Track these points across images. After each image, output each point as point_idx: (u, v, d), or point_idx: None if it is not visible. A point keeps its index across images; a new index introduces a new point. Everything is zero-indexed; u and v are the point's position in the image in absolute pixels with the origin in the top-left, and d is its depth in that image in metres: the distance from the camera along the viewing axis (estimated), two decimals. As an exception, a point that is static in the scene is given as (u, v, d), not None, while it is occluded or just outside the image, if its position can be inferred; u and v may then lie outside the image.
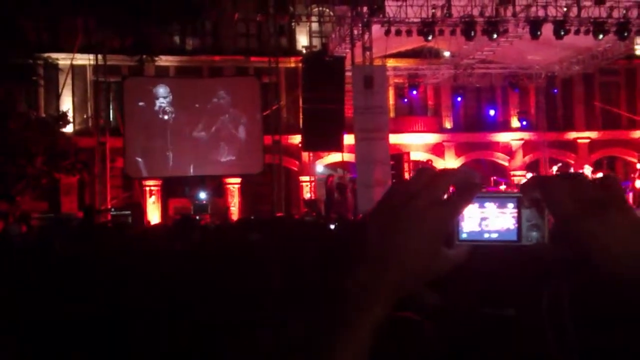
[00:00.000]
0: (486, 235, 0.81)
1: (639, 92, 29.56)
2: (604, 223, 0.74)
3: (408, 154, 21.97)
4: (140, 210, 23.23)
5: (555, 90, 26.03)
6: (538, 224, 0.79)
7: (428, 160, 24.51)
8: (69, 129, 24.23)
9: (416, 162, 23.43)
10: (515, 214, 0.80)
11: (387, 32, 17.74)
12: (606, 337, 0.78)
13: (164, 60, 24.99)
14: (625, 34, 18.28)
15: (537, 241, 0.79)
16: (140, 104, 21.76)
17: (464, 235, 0.80)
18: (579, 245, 0.75)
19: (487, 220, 0.81)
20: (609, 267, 0.74)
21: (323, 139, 20.75)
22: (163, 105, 21.88)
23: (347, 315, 0.75)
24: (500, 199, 0.81)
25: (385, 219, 0.78)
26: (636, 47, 23.01)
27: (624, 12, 17.94)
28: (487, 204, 0.81)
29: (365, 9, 17.76)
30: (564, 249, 0.77)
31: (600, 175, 20.05)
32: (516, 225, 0.80)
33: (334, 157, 24.97)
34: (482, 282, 2.80)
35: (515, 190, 0.80)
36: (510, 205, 0.80)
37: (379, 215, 0.79)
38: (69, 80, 24.72)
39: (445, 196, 0.78)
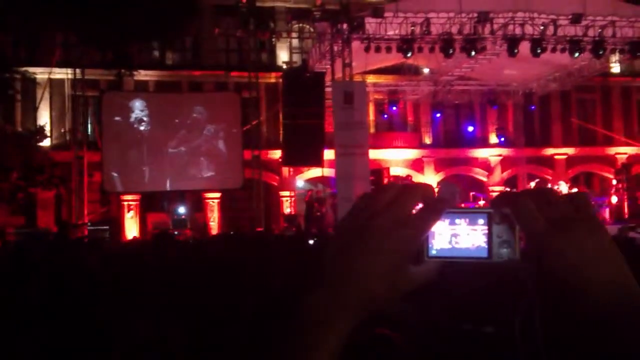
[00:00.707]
0: (456, 252, 0.78)
1: (614, 109, 30.07)
2: (571, 242, 0.72)
3: (388, 169, 22.07)
4: (117, 225, 22.99)
5: (533, 107, 26.33)
6: (509, 241, 0.76)
7: (408, 176, 24.61)
8: (46, 143, 23.96)
9: (396, 177, 23.51)
10: (486, 231, 0.78)
11: (367, 49, 17.84)
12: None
13: (144, 75, 24.91)
14: (601, 52, 18.61)
15: (508, 258, 0.76)
16: (117, 118, 21.61)
17: (434, 252, 0.78)
18: (548, 262, 0.73)
19: (458, 237, 0.79)
20: (577, 285, 0.72)
21: (303, 154, 20.75)
22: (140, 119, 21.74)
23: (308, 336, 0.72)
24: (471, 215, 0.79)
25: (347, 237, 0.75)
26: (611, 65, 23.42)
27: (599, 30, 18.27)
28: (457, 220, 0.79)
29: (345, 25, 17.87)
30: (534, 266, 0.75)
31: (573, 191, 20.29)
32: (487, 242, 0.78)
33: (314, 172, 24.97)
34: (461, 298, 2.78)
35: (486, 206, 0.78)
36: (481, 222, 0.78)
37: (341, 234, 0.76)
38: (47, 94, 24.51)
39: (413, 212, 0.76)
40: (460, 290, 2.62)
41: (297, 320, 0.74)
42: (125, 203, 24.74)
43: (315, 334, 0.72)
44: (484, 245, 0.78)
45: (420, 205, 0.76)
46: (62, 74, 24.01)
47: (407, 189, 0.76)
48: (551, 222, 0.73)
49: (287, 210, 25.28)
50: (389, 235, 0.73)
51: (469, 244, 0.78)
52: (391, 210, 0.74)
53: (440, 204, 0.76)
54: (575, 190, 20.25)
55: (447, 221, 0.78)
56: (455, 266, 0.77)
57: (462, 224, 0.79)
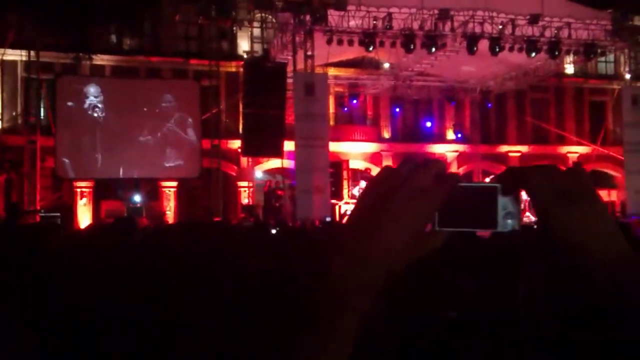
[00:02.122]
0: (464, 223, 0.83)
1: (567, 109, 30.90)
2: (575, 211, 0.79)
3: (347, 162, 22.20)
4: (70, 212, 22.49)
5: (490, 105, 26.86)
6: (513, 213, 0.81)
7: (366, 169, 24.80)
8: (-4, 126, 23.26)
9: (355, 171, 23.67)
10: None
11: (329, 41, 17.89)
12: (581, 330, 0.81)
13: (100, 59, 24.36)
14: (556, 53, 19.11)
15: (512, 228, 0.81)
16: (70, 103, 21.11)
17: (443, 223, 0.82)
18: (554, 230, 0.79)
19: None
20: (579, 250, 0.78)
21: (263, 144, 20.68)
22: (94, 105, 21.29)
23: (326, 308, 0.75)
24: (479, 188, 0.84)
25: (369, 207, 0.79)
26: (565, 66, 24.06)
27: (556, 32, 18.75)
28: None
29: (307, 17, 17.86)
30: (536, 236, 0.79)
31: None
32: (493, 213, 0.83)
33: (273, 163, 24.91)
34: (426, 282, 2.85)
35: (493, 181, 0.83)
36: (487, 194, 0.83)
37: (362, 204, 0.80)
38: (-2, 76, 23.77)
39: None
40: (428, 273, 2.68)
41: (311, 294, 0.76)
42: (78, 190, 24.22)
43: (338, 300, 0.75)
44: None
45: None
46: (15, 55, 23.28)
47: (423, 164, 0.80)
48: (558, 194, 0.79)
49: (245, 200, 25.17)
50: (408, 206, 0.77)
51: (472, 214, 0.82)
52: (410, 183, 0.78)
53: (451, 179, 0.80)
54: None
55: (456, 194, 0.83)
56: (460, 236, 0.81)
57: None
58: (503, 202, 0.81)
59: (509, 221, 0.81)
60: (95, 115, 21.27)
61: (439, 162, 0.82)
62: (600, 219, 0.79)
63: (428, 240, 0.80)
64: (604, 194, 26.96)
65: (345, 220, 15.01)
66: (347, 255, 0.77)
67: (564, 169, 0.83)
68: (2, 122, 24.00)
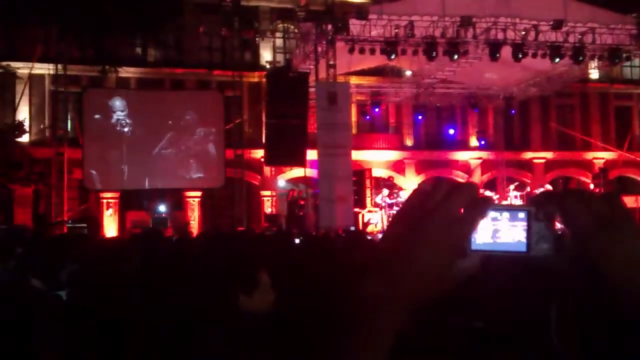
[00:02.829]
0: (497, 247, 0.84)
1: (592, 115, 30.52)
2: (616, 242, 0.78)
3: (370, 170, 22.16)
4: (96, 223, 22.78)
5: (513, 111, 26.63)
6: (547, 237, 0.82)
7: (389, 177, 24.72)
8: (24, 139, 23.67)
9: (377, 179, 23.61)
10: (526, 227, 0.83)
11: (351, 50, 17.92)
12: (612, 350, 0.81)
13: (125, 72, 24.71)
14: (580, 58, 18.89)
15: (546, 254, 0.82)
16: (97, 116, 21.43)
17: (477, 246, 0.83)
18: (592, 260, 0.79)
19: (499, 232, 0.84)
20: (619, 284, 0.78)
21: (286, 153, 20.76)
22: (120, 118, 21.59)
23: (358, 324, 0.77)
24: (512, 212, 0.84)
25: (405, 231, 0.80)
26: (590, 71, 23.78)
27: (579, 37, 18.55)
28: (498, 216, 0.84)
29: (329, 26, 17.93)
30: (570, 261, 0.80)
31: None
32: (526, 237, 0.83)
33: (296, 172, 24.99)
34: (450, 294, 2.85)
35: (526, 204, 0.84)
36: (521, 218, 0.83)
37: (396, 227, 0.82)
38: (27, 90, 24.22)
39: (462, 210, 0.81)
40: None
41: (343, 313, 0.78)
42: (105, 201, 24.55)
43: (372, 318, 0.77)
44: (524, 240, 0.83)
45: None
46: (42, 69, 23.75)
47: (456, 188, 0.82)
48: (597, 223, 0.79)
49: (268, 210, 25.26)
50: (444, 232, 0.78)
51: (509, 238, 0.83)
52: (445, 208, 0.80)
53: (485, 203, 0.81)
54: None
55: (489, 217, 0.84)
56: (495, 260, 0.83)
57: (503, 219, 0.84)
58: (537, 226, 0.82)
59: (543, 246, 0.81)
60: (122, 128, 21.57)
61: (472, 186, 0.83)
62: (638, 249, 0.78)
63: (463, 265, 0.81)
64: (630, 200, 26.53)
65: (379, 238, 14.93)
66: (381, 278, 0.78)
67: (597, 193, 0.83)
68: (30, 135, 24.45)
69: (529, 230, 0.82)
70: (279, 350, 2.19)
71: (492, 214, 0.83)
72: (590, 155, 29.77)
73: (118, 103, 21.75)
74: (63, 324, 2.81)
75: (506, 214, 0.84)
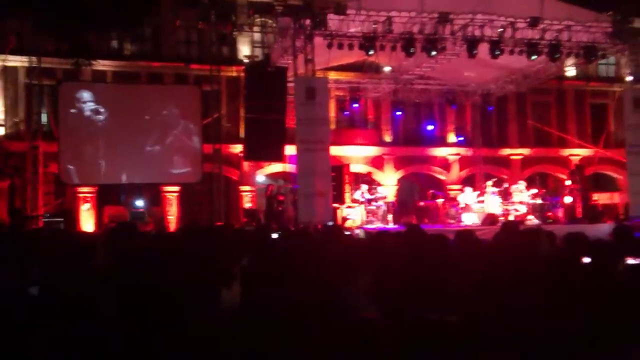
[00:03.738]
0: None
1: (569, 112, 30.88)
2: None
3: (348, 166, 22.16)
4: (72, 217, 22.52)
5: (491, 108, 26.83)
6: None
7: (368, 173, 24.81)
8: (-2, 132, 23.31)
9: (356, 174, 23.67)
10: None
11: (330, 45, 17.89)
12: None
13: (101, 65, 24.41)
14: (557, 56, 19.09)
15: None
16: (73, 110, 21.15)
17: None
18: None
19: None
20: None
21: (264, 149, 20.69)
22: (96, 111, 21.32)
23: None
24: None
25: None
26: (566, 68, 24.03)
27: (556, 34, 18.74)
28: None
29: (307, 21, 17.87)
30: None
31: (531, 191, 20.76)
32: None
33: (275, 167, 24.94)
34: (425, 289, 2.85)
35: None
36: None
37: None
38: (0, 83, 23.81)
39: None
40: (425, 281, 2.69)
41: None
42: (81, 195, 24.25)
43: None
44: None
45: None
46: (16, 61, 23.37)
47: None
48: None
49: (247, 205, 25.18)
50: None
51: None
52: None
53: None
54: (534, 190, 20.73)
55: None
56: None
57: None
58: None
59: None
60: (98, 122, 21.32)
61: None
62: None
63: None
64: (606, 196, 26.94)
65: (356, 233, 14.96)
66: None
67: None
68: (4, 128, 24.05)
69: None
70: (248, 342, 2.17)
71: None
72: (566, 152, 30.13)
73: (94, 97, 21.48)
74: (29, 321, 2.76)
75: None
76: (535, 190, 20.80)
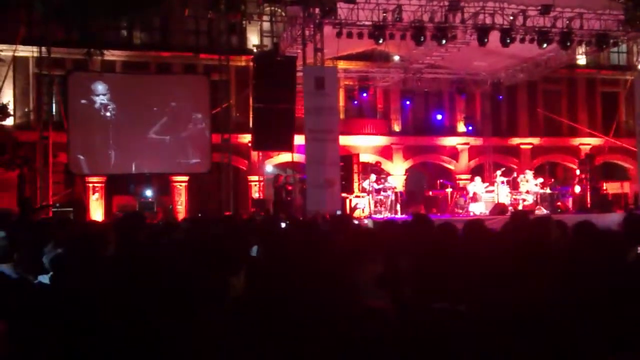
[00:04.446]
0: None
1: (579, 101, 30.64)
2: None
3: (357, 155, 22.11)
4: (82, 207, 22.65)
5: (500, 97, 26.68)
6: None
7: (377, 162, 24.76)
8: (8, 122, 23.41)
9: (365, 164, 23.62)
10: None
11: (339, 34, 17.82)
12: None
13: (111, 55, 24.43)
14: (568, 44, 18.92)
15: None
16: (83, 101, 21.19)
17: None
18: None
19: None
20: None
21: (273, 138, 20.68)
22: (106, 102, 21.36)
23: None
24: None
25: None
26: (577, 56, 23.82)
27: (567, 22, 18.56)
28: None
29: (317, 10, 17.79)
30: None
31: (538, 180, 20.64)
32: None
33: (284, 157, 24.94)
34: (432, 278, 2.84)
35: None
36: None
37: None
38: (10, 73, 23.89)
39: None
40: (436, 271, 2.67)
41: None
42: (91, 185, 24.38)
43: None
44: None
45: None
46: (26, 51, 23.43)
47: None
48: None
49: (255, 195, 25.22)
50: None
51: None
52: None
53: None
54: (540, 180, 20.60)
55: None
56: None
57: None
58: None
59: None
60: (108, 112, 21.36)
61: None
62: None
63: None
64: (616, 186, 26.76)
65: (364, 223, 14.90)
66: None
67: None
68: (14, 118, 24.18)
69: None
70: (251, 331, 2.17)
71: None
72: (576, 141, 29.93)
73: (104, 87, 21.50)
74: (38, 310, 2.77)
75: None
76: (541, 180, 20.68)
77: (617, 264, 3.04)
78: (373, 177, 19.88)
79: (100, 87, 21.41)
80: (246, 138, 24.38)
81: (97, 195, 24.41)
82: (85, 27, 19.06)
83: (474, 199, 19.80)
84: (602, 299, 2.46)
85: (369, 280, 2.86)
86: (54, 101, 23.48)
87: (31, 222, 10.15)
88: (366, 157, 26.18)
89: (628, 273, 2.80)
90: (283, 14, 23.09)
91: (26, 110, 24.76)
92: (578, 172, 22.88)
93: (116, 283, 3.03)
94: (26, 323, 2.88)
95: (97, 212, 23.82)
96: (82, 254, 3.85)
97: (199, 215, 15.88)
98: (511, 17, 18.18)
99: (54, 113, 23.14)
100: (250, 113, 23.07)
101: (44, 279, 3.96)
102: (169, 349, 2.43)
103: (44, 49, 21.17)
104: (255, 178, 25.60)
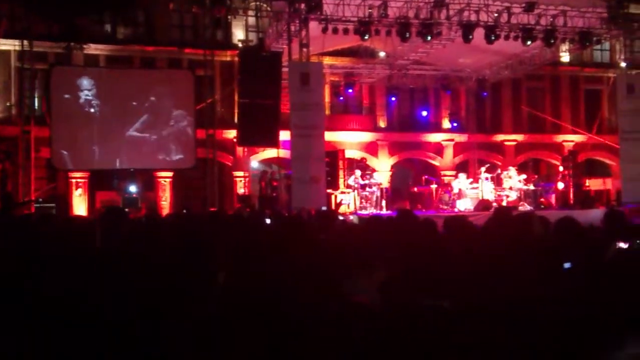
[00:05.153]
0: None
1: (563, 98, 30.87)
2: None
3: (343, 151, 22.15)
4: (65, 202, 22.46)
5: (485, 94, 26.82)
6: None
7: (362, 159, 24.79)
8: (-11, 116, 23.13)
9: (350, 160, 23.65)
10: None
11: (325, 30, 17.81)
12: None
13: (94, 49, 24.22)
14: (552, 41, 19.07)
15: None
16: (66, 96, 20.98)
17: None
18: None
19: None
20: None
21: (259, 134, 20.63)
22: (89, 97, 21.18)
23: None
24: None
25: None
26: (561, 54, 24.01)
27: (551, 20, 18.70)
28: None
29: (302, 5, 17.76)
30: None
31: (521, 177, 20.77)
32: None
33: (269, 152, 24.88)
34: (416, 274, 2.85)
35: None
36: None
37: None
38: (-9, 66, 23.61)
39: None
40: (422, 268, 2.68)
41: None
42: (74, 180, 24.15)
43: None
44: None
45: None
46: (8, 45, 23.14)
47: None
48: None
49: (240, 190, 25.15)
50: None
51: None
52: None
53: None
54: (524, 176, 20.75)
55: None
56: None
57: None
58: None
59: None
60: (91, 108, 21.17)
61: None
62: None
63: None
64: (598, 182, 27.04)
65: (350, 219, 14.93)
66: None
67: None
68: (-5, 113, 23.88)
69: None
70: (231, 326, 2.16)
71: None
72: (560, 138, 30.17)
73: (87, 82, 21.30)
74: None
75: None
76: (524, 176, 20.84)
77: (598, 259, 3.07)
78: (358, 173, 19.92)
79: (85, 82, 21.21)
80: (231, 133, 24.29)
81: (80, 190, 24.19)
82: (68, 20, 18.87)
83: (459, 195, 19.92)
84: (581, 293, 2.49)
85: (354, 276, 2.87)
86: (36, 95, 23.22)
87: (13, 217, 10.05)
88: (352, 153, 26.21)
89: (607, 268, 2.83)
90: (268, 9, 23.01)
91: (8, 104, 24.46)
92: (561, 168, 23.09)
93: (102, 278, 3.02)
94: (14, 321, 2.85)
95: (80, 207, 23.61)
96: (68, 250, 3.82)
97: (184, 211, 15.80)
98: (496, 14, 18.28)
99: (36, 107, 22.89)
100: (236, 108, 22.99)
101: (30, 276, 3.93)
102: (155, 344, 2.43)
103: (26, 42, 20.93)
104: (241, 174, 25.52)
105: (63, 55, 22.66)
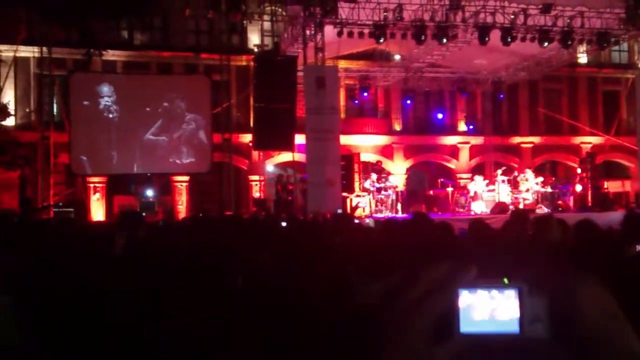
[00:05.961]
0: (486, 327, 0.76)
1: (580, 99, 30.60)
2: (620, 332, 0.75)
3: (358, 154, 22.12)
4: (83, 207, 22.64)
5: (501, 96, 26.66)
6: (541, 315, 0.75)
7: (378, 162, 24.75)
8: (9, 122, 23.41)
9: (366, 163, 23.61)
10: (517, 305, 0.76)
11: (340, 34, 17.82)
12: None
13: (111, 55, 24.41)
14: (569, 42, 18.91)
15: (540, 335, 0.75)
16: (85, 102, 21.24)
17: (463, 329, 0.75)
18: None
19: (490, 310, 0.76)
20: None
21: (274, 138, 20.68)
22: (108, 104, 21.41)
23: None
24: (500, 289, 0.76)
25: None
26: (578, 55, 23.80)
27: (568, 21, 18.55)
28: (486, 295, 0.76)
29: (317, 9, 17.79)
30: (564, 347, 0.73)
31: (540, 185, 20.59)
32: (519, 317, 0.75)
33: (284, 156, 24.93)
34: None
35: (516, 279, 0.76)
36: (511, 296, 0.76)
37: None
38: (11, 73, 23.89)
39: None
40: None
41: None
42: (92, 185, 24.37)
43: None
44: (515, 320, 0.75)
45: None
46: (27, 52, 23.43)
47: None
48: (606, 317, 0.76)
49: (256, 194, 25.22)
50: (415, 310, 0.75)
51: (498, 318, 0.76)
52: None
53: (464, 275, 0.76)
54: (540, 179, 20.56)
55: (474, 295, 0.76)
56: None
57: (494, 297, 0.76)
58: (529, 303, 0.75)
59: (537, 325, 0.74)
60: (110, 114, 21.41)
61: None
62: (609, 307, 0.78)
63: (446, 349, 0.75)
64: (617, 184, 26.74)
65: (366, 223, 14.91)
66: None
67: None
68: (15, 119, 24.17)
69: (521, 309, 0.75)
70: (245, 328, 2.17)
71: (476, 291, 0.75)
72: (577, 139, 29.90)
73: (106, 89, 21.55)
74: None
75: (495, 291, 0.76)
76: (542, 179, 20.65)
77: (618, 261, 3.04)
78: (374, 176, 19.88)
79: (105, 88, 21.47)
80: (247, 138, 24.37)
81: (98, 195, 24.41)
82: (85, 27, 19.06)
83: (475, 197, 19.79)
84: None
85: (366, 277, 2.86)
86: (55, 101, 23.49)
87: (32, 222, 10.16)
88: (367, 157, 26.18)
89: (628, 270, 2.80)
90: (284, 13, 23.09)
91: (27, 110, 24.76)
92: (579, 170, 22.85)
93: (121, 282, 3.04)
94: (30, 323, 2.88)
95: (98, 212, 23.82)
96: (84, 254, 3.86)
97: (200, 215, 15.88)
98: (512, 16, 18.17)
99: (55, 113, 23.14)
100: (251, 113, 23.07)
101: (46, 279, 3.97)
102: (173, 346, 2.44)
103: (44, 49, 21.18)
104: (256, 178, 25.59)
105: (81, 62, 22.89)
